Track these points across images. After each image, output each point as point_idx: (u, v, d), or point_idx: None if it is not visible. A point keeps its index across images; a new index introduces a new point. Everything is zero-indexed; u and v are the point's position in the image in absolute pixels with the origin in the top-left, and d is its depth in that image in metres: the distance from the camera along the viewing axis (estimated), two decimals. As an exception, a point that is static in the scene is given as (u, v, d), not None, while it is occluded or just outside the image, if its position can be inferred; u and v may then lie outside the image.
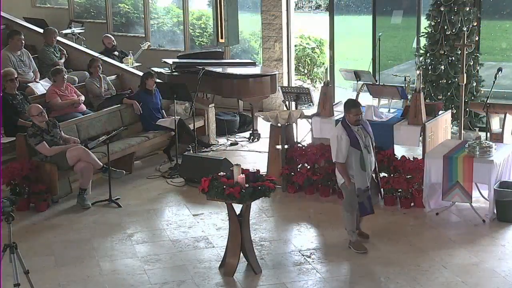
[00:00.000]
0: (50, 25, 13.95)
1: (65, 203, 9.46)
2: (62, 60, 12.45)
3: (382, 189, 8.52)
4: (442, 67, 11.39)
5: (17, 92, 10.30)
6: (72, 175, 9.64)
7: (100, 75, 11.59)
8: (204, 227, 8.59)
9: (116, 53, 13.58)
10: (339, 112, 10.05)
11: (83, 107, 10.94)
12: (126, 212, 9.14)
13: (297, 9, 18.91)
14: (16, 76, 10.38)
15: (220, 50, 13.67)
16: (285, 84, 13.59)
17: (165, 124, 10.91)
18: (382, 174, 9.12)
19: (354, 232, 7.80)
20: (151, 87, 11.07)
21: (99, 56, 12.57)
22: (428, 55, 11.59)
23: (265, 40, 13.70)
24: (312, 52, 16.34)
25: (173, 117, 10.76)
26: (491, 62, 12.66)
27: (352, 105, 7.63)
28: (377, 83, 11.52)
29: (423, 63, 11.67)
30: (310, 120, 10.13)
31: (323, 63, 15.99)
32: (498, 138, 9.69)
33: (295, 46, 14.99)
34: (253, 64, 13.24)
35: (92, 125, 10.55)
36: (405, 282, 7.07)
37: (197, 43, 15.48)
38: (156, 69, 12.65)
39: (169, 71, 12.75)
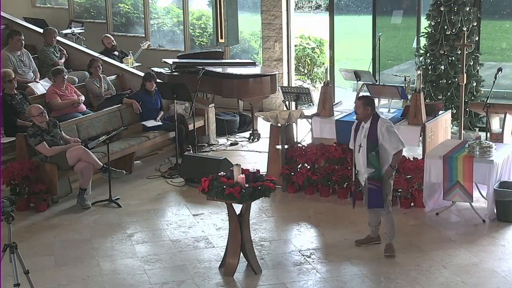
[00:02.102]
0: (50, 25, 13.95)
1: (65, 203, 9.46)
2: (62, 60, 12.44)
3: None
4: (442, 67, 11.39)
5: (16, 92, 10.30)
6: (72, 175, 9.64)
7: (100, 75, 11.59)
8: (204, 227, 8.59)
9: (116, 53, 13.57)
10: (339, 112, 10.06)
11: (83, 107, 10.94)
12: (126, 212, 9.14)
13: (297, 9, 18.91)
14: (14, 76, 10.38)
15: (220, 50, 13.67)
16: (285, 84, 13.59)
17: (148, 125, 10.84)
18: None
19: (369, 226, 7.92)
20: (151, 89, 11.09)
21: (99, 56, 12.57)
22: (428, 55, 11.59)
23: (265, 40, 13.70)
24: (312, 52, 16.34)
25: (158, 121, 10.96)
26: (491, 62, 12.66)
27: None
28: (377, 83, 11.52)
29: (423, 63, 11.67)
30: (310, 120, 10.13)
31: (323, 63, 15.98)
32: (498, 138, 9.69)
33: (295, 46, 14.98)
34: (253, 64, 13.23)
35: (92, 125, 10.55)
36: (405, 282, 7.07)
37: (197, 43, 15.48)
38: (156, 69, 12.66)
39: (169, 71, 12.75)
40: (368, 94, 7.93)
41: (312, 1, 21.60)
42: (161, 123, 10.97)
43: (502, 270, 7.27)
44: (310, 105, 11.59)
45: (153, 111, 11.10)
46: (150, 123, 10.91)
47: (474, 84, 11.53)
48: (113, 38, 13.92)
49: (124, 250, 8.00)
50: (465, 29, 11.14)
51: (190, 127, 11.16)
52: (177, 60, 13.03)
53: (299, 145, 9.97)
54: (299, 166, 9.67)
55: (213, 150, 11.54)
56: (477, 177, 8.43)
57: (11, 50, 11.59)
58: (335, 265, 7.52)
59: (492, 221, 8.46)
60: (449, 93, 11.40)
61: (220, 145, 11.85)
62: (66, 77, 10.97)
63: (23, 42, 11.76)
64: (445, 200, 8.72)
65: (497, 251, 7.72)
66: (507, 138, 9.76)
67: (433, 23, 11.46)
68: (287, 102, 11.68)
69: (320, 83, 15.53)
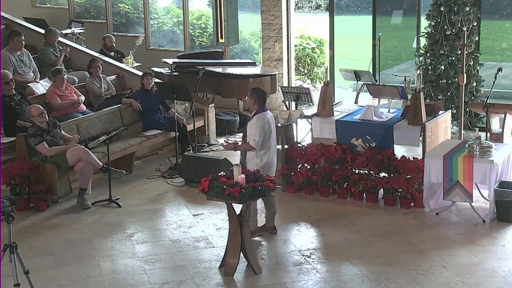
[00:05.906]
0: (50, 25, 13.94)
1: (65, 203, 9.46)
2: (62, 58, 12.29)
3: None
4: (442, 67, 11.39)
5: (14, 93, 10.28)
6: (72, 175, 9.64)
7: (100, 75, 11.60)
8: (204, 227, 8.59)
9: (112, 53, 13.53)
10: (339, 112, 10.06)
11: (83, 107, 10.94)
12: (126, 212, 9.14)
13: (297, 9, 18.90)
14: (11, 78, 10.36)
15: (220, 50, 13.67)
16: (285, 84, 13.59)
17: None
18: (382, 174, 9.15)
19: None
20: (149, 87, 11.09)
21: (99, 56, 12.56)
22: (428, 55, 11.60)
23: (265, 40, 13.70)
24: (312, 52, 16.34)
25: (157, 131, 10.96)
26: (491, 62, 12.66)
27: None
28: (377, 83, 11.53)
29: (423, 63, 11.68)
30: (310, 120, 10.13)
31: (323, 63, 15.99)
32: (498, 138, 9.69)
33: (295, 46, 14.98)
34: (253, 64, 13.24)
35: (92, 125, 10.55)
36: (405, 282, 7.07)
37: (197, 43, 15.48)
38: (156, 69, 12.65)
39: (169, 71, 12.75)
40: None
41: (312, 1, 21.59)
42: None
43: (502, 270, 7.27)
44: (310, 105, 11.58)
45: (151, 112, 11.10)
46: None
47: (474, 84, 11.53)
48: (114, 39, 13.92)
49: (124, 250, 8.00)
50: (465, 29, 11.14)
51: (190, 127, 11.16)
52: (177, 60, 13.04)
53: (299, 145, 9.96)
54: (299, 166, 9.67)
55: (213, 150, 11.54)
56: (477, 177, 8.43)
57: (11, 50, 11.58)
58: (335, 265, 7.52)
59: (492, 221, 8.46)
60: (449, 93, 11.40)
61: (220, 145, 11.85)
62: (66, 77, 10.97)
63: (24, 43, 11.74)
64: (445, 200, 8.72)
65: (497, 251, 7.72)
66: (507, 138, 9.76)
67: (433, 23, 11.47)
68: (287, 102, 11.67)
69: (320, 83, 15.53)
